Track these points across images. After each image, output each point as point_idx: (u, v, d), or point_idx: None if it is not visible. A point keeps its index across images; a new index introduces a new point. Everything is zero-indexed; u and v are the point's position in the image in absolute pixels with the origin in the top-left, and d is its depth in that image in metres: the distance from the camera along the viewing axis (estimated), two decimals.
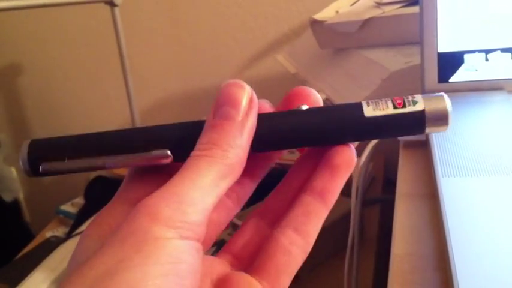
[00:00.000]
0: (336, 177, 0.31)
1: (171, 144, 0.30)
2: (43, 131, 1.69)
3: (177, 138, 0.30)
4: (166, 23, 1.44)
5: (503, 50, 0.72)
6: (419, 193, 0.62)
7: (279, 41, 1.35)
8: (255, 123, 0.29)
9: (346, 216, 0.87)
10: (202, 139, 0.29)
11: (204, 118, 0.31)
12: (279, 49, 1.32)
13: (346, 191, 0.87)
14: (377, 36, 0.92)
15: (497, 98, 0.71)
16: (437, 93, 0.31)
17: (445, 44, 0.73)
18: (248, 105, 0.29)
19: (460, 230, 0.47)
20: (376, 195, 1.14)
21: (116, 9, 1.23)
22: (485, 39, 0.73)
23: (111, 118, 1.61)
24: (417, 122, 0.30)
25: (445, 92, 0.72)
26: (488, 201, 0.51)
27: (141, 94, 1.43)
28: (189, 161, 0.28)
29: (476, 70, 0.73)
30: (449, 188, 0.53)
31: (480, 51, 0.73)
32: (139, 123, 1.36)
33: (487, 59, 0.73)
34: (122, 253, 0.24)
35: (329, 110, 0.31)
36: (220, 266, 0.30)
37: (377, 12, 0.92)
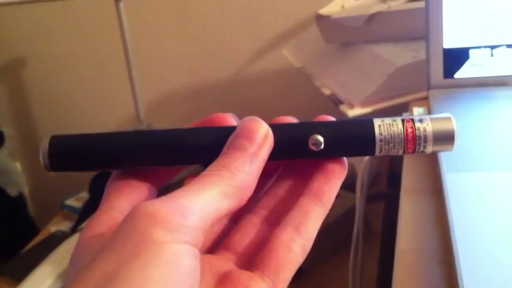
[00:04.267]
0: (330, 180, 0.32)
1: (204, 156, 0.32)
2: (48, 125, 1.69)
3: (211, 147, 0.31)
4: (172, 16, 1.44)
5: (509, 46, 0.73)
6: (424, 188, 0.62)
7: (286, 34, 1.35)
8: (267, 157, 0.31)
9: (352, 211, 0.87)
10: (214, 163, 0.30)
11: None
12: (285, 43, 1.32)
13: (351, 186, 0.87)
14: (383, 31, 0.93)
15: (503, 93, 0.72)
16: (444, 114, 0.31)
17: (451, 40, 0.73)
18: (262, 140, 0.30)
19: (464, 225, 0.47)
20: (381, 190, 1.14)
21: (121, 3, 1.23)
22: (491, 35, 0.73)
23: (116, 111, 1.62)
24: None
25: (451, 87, 0.73)
26: (493, 197, 0.51)
27: (147, 87, 1.43)
28: (197, 178, 0.29)
29: (482, 66, 0.73)
30: (454, 183, 0.54)
31: (485, 47, 0.73)
32: (144, 117, 1.36)
33: (492, 55, 0.73)
34: (122, 257, 0.24)
35: (345, 149, 0.32)
36: (219, 262, 0.31)
37: (383, 7, 0.92)
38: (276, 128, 0.31)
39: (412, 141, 0.31)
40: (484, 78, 0.74)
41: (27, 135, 1.73)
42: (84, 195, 1.38)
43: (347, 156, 0.33)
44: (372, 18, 0.91)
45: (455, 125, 0.31)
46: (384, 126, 0.31)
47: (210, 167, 0.29)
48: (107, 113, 1.63)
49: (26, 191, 1.70)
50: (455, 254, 0.44)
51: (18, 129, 1.72)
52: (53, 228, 1.31)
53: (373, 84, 0.85)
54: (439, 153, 0.59)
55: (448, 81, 0.74)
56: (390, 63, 0.85)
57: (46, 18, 1.53)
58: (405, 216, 0.58)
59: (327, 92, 0.93)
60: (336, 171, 0.32)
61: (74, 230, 1.22)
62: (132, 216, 0.26)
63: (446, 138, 0.31)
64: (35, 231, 1.36)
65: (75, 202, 1.37)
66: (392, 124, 0.31)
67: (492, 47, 0.73)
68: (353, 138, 0.32)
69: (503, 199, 0.51)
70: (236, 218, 0.34)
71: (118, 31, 1.26)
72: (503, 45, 0.73)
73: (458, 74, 0.74)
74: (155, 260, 0.24)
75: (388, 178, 1.17)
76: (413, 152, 0.31)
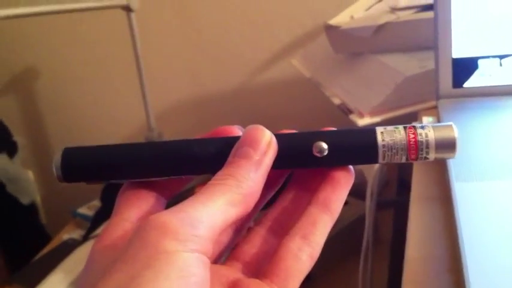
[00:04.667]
0: (337, 189, 0.33)
1: (212, 166, 0.32)
2: (60, 134, 1.70)
3: (214, 159, 0.32)
4: (181, 27, 1.45)
5: None
6: (434, 197, 0.63)
7: (293, 44, 1.35)
8: (271, 164, 0.31)
9: (361, 219, 0.87)
10: (220, 172, 0.30)
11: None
12: (293, 52, 1.33)
13: (360, 194, 0.88)
14: (392, 41, 0.93)
15: (511, 102, 0.72)
16: (446, 123, 0.32)
17: (459, 50, 0.73)
18: (266, 147, 0.31)
19: (472, 233, 0.47)
20: (391, 198, 1.14)
21: (132, 15, 1.24)
22: (499, 45, 0.73)
23: (128, 121, 1.62)
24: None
25: (460, 97, 0.73)
26: (501, 206, 0.51)
27: (156, 96, 1.43)
28: (204, 188, 0.29)
29: (490, 75, 0.74)
30: (463, 192, 0.54)
31: (494, 56, 0.73)
32: (155, 125, 1.37)
33: (501, 64, 0.73)
34: (133, 269, 0.25)
35: (348, 156, 0.33)
36: (228, 272, 0.31)
37: (392, 18, 0.92)
38: (280, 136, 0.32)
39: (415, 147, 0.31)
40: (493, 88, 0.74)
41: (39, 144, 1.74)
42: (96, 203, 1.38)
43: (351, 163, 0.33)
44: (380, 28, 0.91)
45: (457, 132, 0.32)
46: (386, 133, 0.32)
47: (217, 176, 0.30)
48: (118, 122, 1.64)
49: (38, 200, 1.71)
50: (463, 262, 0.44)
51: (30, 139, 1.73)
52: (65, 236, 1.32)
53: (382, 94, 0.85)
54: (447, 162, 0.59)
55: (457, 90, 0.74)
56: (399, 72, 0.85)
57: (58, 29, 1.55)
58: (414, 225, 0.58)
59: (336, 101, 0.93)
60: (342, 180, 0.33)
61: (85, 238, 1.22)
62: (143, 229, 0.26)
63: (448, 145, 0.32)
64: (47, 239, 1.37)
65: (87, 210, 1.38)
66: (395, 131, 0.32)
67: (501, 57, 0.73)
68: (356, 145, 0.32)
69: (511, 208, 0.51)
70: (240, 226, 0.35)
71: (129, 41, 1.27)
72: (511, 55, 0.73)
73: (467, 84, 0.74)
74: (166, 270, 0.25)
75: (397, 185, 1.17)
76: (416, 158, 0.32)
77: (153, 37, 1.45)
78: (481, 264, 0.43)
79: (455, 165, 0.58)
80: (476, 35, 0.73)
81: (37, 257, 1.25)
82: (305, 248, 0.31)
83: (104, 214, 1.28)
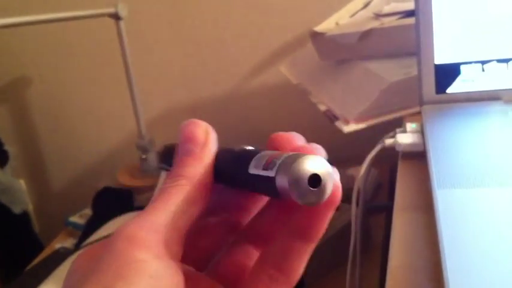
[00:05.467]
0: (318, 213, 0.29)
1: None
2: (51, 143, 1.70)
3: None
4: (171, 34, 1.45)
5: (499, 61, 0.73)
6: (417, 205, 0.63)
7: (283, 50, 1.36)
8: (213, 152, 0.32)
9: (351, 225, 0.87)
10: (170, 174, 0.31)
11: None
12: (283, 58, 1.33)
13: (348, 199, 0.88)
14: (376, 47, 0.93)
15: (494, 108, 0.72)
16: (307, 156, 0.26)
17: (442, 56, 0.74)
18: (205, 139, 0.32)
19: (454, 241, 0.48)
20: (382, 202, 1.14)
21: (121, 23, 1.25)
22: (481, 51, 0.73)
23: (118, 128, 1.62)
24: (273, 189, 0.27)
25: (443, 102, 0.74)
26: (483, 213, 0.52)
27: (148, 104, 1.44)
28: (160, 192, 0.30)
29: (473, 81, 0.74)
30: (445, 199, 0.54)
31: (476, 62, 0.74)
32: (144, 133, 1.37)
33: (483, 70, 0.74)
34: (105, 281, 0.25)
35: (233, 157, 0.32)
36: (210, 283, 0.32)
37: (376, 24, 0.93)
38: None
39: (269, 161, 0.27)
40: (476, 93, 0.74)
41: (31, 153, 1.74)
42: (88, 211, 1.38)
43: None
44: (365, 34, 0.92)
45: (314, 169, 0.25)
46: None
47: (168, 179, 0.31)
48: (110, 129, 1.64)
49: (30, 209, 1.71)
50: (444, 271, 0.44)
51: (22, 148, 1.72)
52: (57, 245, 1.32)
53: (367, 100, 0.85)
54: (430, 170, 0.60)
55: (441, 96, 0.75)
56: (383, 79, 0.86)
57: (48, 38, 1.55)
58: (398, 233, 0.59)
59: (322, 108, 0.94)
60: (321, 207, 0.28)
61: (77, 247, 1.22)
62: (113, 242, 0.27)
63: (301, 183, 0.25)
64: (40, 248, 1.37)
65: (79, 219, 1.38)
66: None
67: (483, 62, 0.74)
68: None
69: (493, 215, 0.51)
70: (225, 234, 0.35)
71: (119, 49, 1.27)
72: (493, 60, 0.73)
73: (450, 90, 0.75)
74: (137, 279, 0.25)
75: (389, 190, 1.17)
76: (267, 169, 0.27)
77: (143, 44, 1.45)
78: (462, 273, 0.44)
79: (437, 172, 0.59)
80: (458, 41, 0.73)
81: (29, 266, 1.24)
82: (277, 277, 0.30)
83: (95, 222, 1.28)
